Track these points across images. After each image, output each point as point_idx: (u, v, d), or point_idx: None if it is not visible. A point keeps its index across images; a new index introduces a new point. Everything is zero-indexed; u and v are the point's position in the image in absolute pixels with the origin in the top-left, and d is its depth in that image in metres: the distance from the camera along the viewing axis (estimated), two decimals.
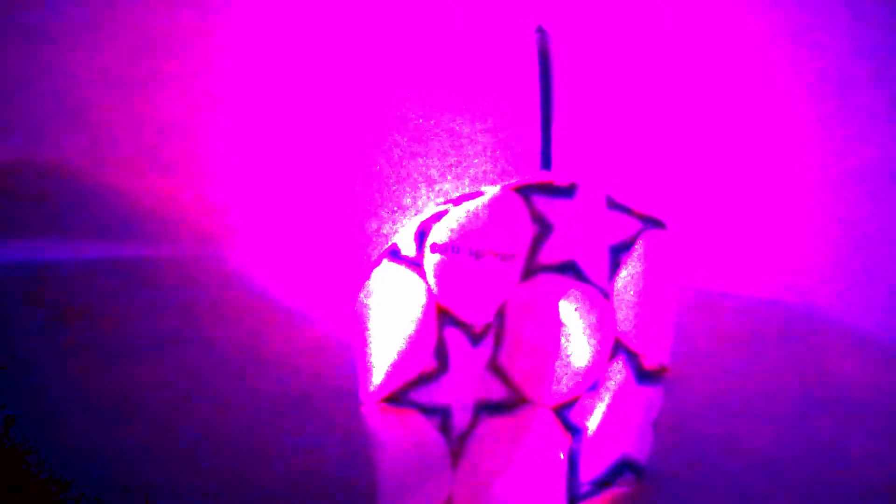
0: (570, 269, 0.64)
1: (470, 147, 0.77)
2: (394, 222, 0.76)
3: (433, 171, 0.77)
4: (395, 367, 0.60)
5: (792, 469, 0.72)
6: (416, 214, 0.64)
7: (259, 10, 0.76)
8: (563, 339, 0.64)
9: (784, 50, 0.81)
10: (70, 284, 0.72)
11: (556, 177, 0.63)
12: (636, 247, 0.64)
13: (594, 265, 0.64)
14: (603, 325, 0.64)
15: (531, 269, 0.63)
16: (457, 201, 0.62)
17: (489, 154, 0.77)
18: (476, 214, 0.61)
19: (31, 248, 0.74)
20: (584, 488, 0.64)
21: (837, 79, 0.81)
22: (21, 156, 0.74)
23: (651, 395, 0.65)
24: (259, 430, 0.69)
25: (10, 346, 0.70)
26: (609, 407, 0.64)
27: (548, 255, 0.63)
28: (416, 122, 0.77)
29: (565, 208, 0.63)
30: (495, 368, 0.63)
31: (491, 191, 0.62)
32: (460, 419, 0.62)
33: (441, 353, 0.61)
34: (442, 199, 0.63)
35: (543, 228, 0.63)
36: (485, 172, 0.77)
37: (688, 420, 0.72)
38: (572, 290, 0.64)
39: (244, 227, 0.76)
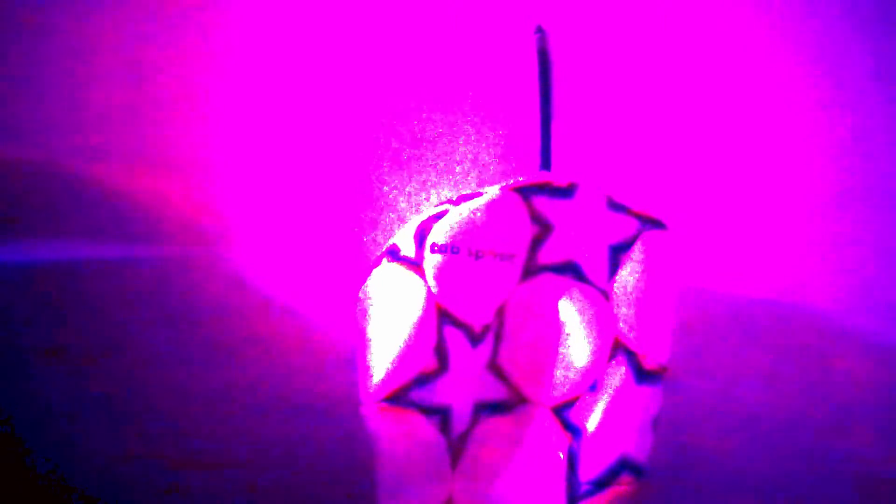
0: (569, 270, 0.64)
1: (470, 147, 0.77)
2: (393, 222, 0.76)
3: (433, 171, 0.77)
4: (395, 367, 0.60)
5: (792, 469, 0.72)
6: (415, 215, 0.64)
7: (258, 12, 0.76)
8: (562, 340, 0.64)
9: (782, 51, 0.81)
10: (68, 284, 0.72)
11: (556, 177, 0.63)
12: (636, 247, 0.64)
13: (594, 265, 0.64)
14: (602, 325, 0.64)
15: (531, 270, 0.63)
16: (456, 201, 0.62)
17: (489, 154, 0.77)
18: (476, 215, 0.61)
19: (30, 248, 0.74)
20: (584, 488, 0.64)
21: (837, 78, 0.81)
22: (21, 156, 0.74)
23: (651, 394, 0.65)
24: (259, 430, 0.69)
25: (8, 346, 0.70)
26: (608, 407, 0.64)
27: (547, 255, 0.63)
28: (415, 121, 0.77)
29: (565, 208, 0.63)
30: (495, 368, 0.63)
31: (491, 191, 0.62)
32: (460, 419, 0.62)
33: (441, 353, 0.61)
34: (442, 199, 0.63)
35: (543, 228, 0.63)
36: (485, 172, 0.77)
37: (688, 420, 0.72)
38: (572, 290, 0.64)
39: (244, 227, 0.76)
